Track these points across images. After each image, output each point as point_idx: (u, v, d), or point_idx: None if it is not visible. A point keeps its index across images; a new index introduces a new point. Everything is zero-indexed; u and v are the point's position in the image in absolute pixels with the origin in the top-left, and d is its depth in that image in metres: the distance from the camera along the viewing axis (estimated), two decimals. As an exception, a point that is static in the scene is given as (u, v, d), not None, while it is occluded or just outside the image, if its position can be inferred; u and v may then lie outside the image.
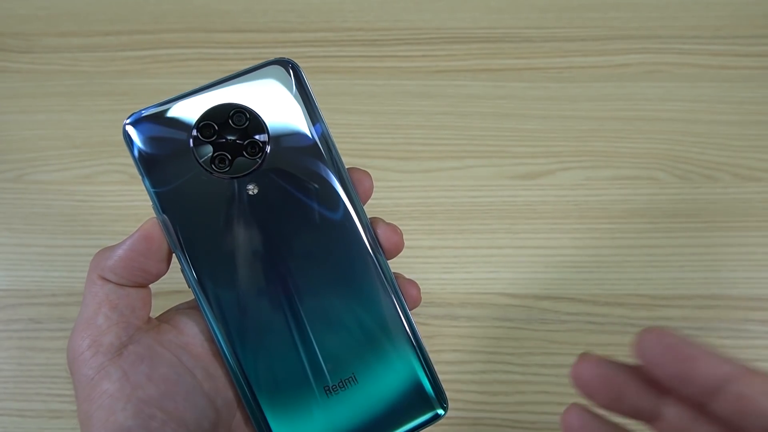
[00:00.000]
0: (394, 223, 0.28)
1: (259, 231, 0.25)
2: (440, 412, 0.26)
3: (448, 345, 0.39)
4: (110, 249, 0.25)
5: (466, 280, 0.41)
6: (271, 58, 0.26)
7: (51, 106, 0.46)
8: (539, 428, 0.38)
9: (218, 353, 0.26)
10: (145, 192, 0.25)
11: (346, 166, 0.26)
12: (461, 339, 0.40)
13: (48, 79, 0.47)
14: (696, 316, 0.40)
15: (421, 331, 0.35)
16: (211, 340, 0.26)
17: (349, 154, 0.44)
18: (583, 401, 0.20)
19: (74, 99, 0.47)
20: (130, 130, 0.24)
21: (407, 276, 0.28)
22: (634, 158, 0.44)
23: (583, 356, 0.20)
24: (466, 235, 0.42)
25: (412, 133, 0.45)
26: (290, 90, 0.25)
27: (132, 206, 0.43)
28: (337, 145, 0.26)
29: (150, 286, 0.26)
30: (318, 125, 0.25)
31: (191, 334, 0.26)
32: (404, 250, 0.38)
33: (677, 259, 0.41)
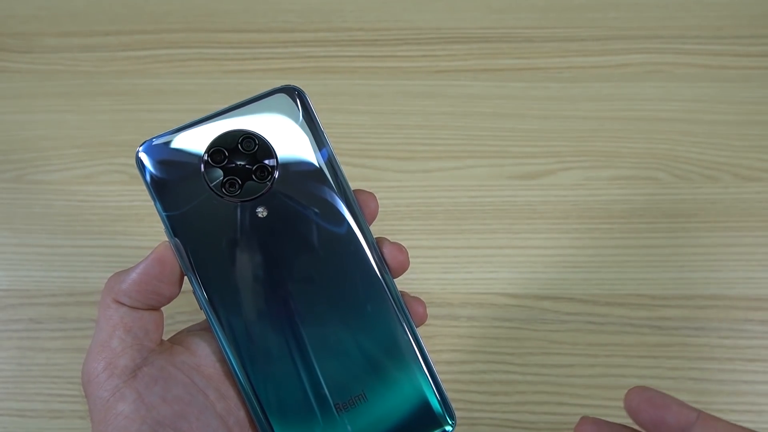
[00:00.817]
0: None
1: (268, 253, 0.26)
2: (447, 428, 0.27)
3: (448, 345, 0.39)
4: (124, 273, 0.25)
5: (466, 280, 0.41)
6: (278, 85, 0.27)
7: (51, 106, 0.46)
8: (539, 428, 0.38)
9: (230, 374, 0.26)
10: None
11: (352, 188, 0.27)
12: (461, 339, 0.40)
13: (48, 79, 0.47)
14: (696, 316, 0.40)
15: (421, 331, 0.35)
16: (223, 360, 0.26)
17: (350, 154, 0.44)
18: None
19: (74, 99, 0.47)
20: (143, 156, 0.25)
21: (410, 288, 0.28)
22: (634, 158, 0.44)
23: (584, 419, 0.25)
24: (466, 235, 0.42)
25: (412, 133, 0.45)
26: (297, 116, 0.26)
27: (132, 206, 0.43)
28: (338, 152, 0.27)
29: (162, 309, 0.27)
30: (324, 150, 0.26)
31: (203, 355, 0.26)
32: (404, 250, 0.38)
33: (677, 259, 0.41)
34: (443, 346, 0.39)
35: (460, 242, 0.42)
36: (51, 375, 0.39)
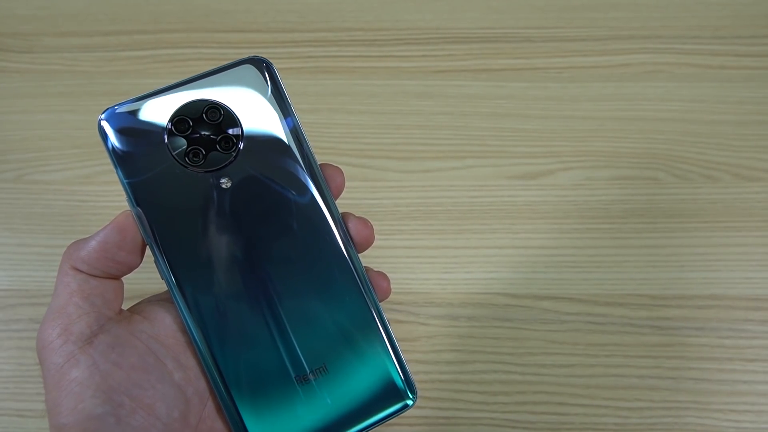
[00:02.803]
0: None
1: (231, 224, 0.26)
2: (409, 402, 0.27)
3: (448, 345, 0.39)
4: (83, 240, 0.25)
5: (466, 280, 0.41)
6: (246, 56, 0.26)
7: (51, 106, 0.46)
8: (539, 428, 0.38)
9: (190, 344, 0.26)
10: (125, 200, 0.26)
11: (319, 162, 0.27)
12: (461, 339, 0.40)
13: (48, 79, 0.47)
14: (696, 316, 0.40)
15: (421, 331, 0.35)
16: (184, 331, 0.26)
17: (349, 154, 0.44)
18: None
19: (74, 99, 0.47)
20: (105, 124, 0.25)
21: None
22: (634, 158, 0.44)
23: None
24: (466, 235, 0.42)
25: (412, 133, 0.45)
26: (263, 87, 0.26)
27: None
28: (311, 142, 0.27)
29: (123, 279, 0.26)
30: (289, 120, 0.26)
31: (163, 325, 0.26)
32: (405, 250, 0.38)
33: (677, 259, 0.41)
34: (443, 346, 0.39)
35: (460, 242, 0.42)
36: (51, 375, 0.39)
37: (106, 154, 0.26)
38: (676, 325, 0.40)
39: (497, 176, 0.44)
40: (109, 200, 0.43)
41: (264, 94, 0.26)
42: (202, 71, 0.26)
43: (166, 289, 0.26)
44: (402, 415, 0.36)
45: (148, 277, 0.28)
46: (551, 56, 0.48)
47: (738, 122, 0.45)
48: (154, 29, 0.49)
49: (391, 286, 0.29)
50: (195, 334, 0.25)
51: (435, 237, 0.42)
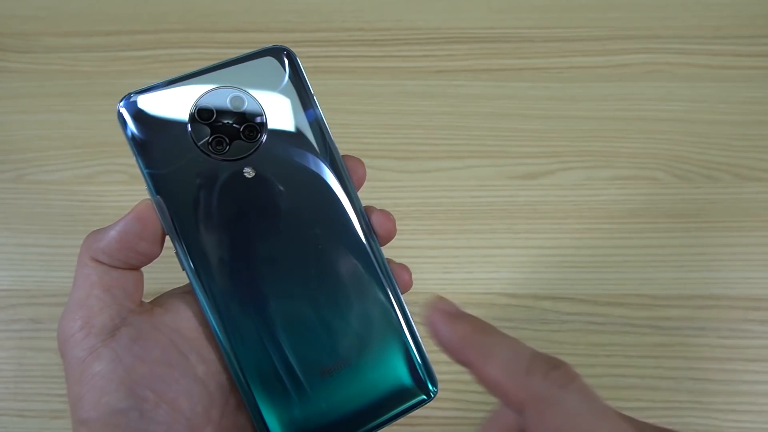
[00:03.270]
0: (396, 226, 0.28)
1: (254, 214, 0.25)
2: (430, 395, 0.27)
3: (449, 345, 0.39)
4: (102, 230, 0.24)
5: (466, 280, 0.41)
6: (268, 45, 0.26)
7: (51, 106, 0.46)
8: (539, 428, 0.38)
9: (212, 337, 0.25)
10: (146, 189, 0.25)
11: (341, 154, 0.27)
12: (461, 339, 0.40)
13: (48, 79, 0.47)
14: (696, 316, 0.40)
15: (421, 331, 0.35)
16: (205, 324, 0.25)
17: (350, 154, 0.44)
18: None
19: (74, 99, 0.47)
20: (123, 111, 0.24)
21: (411, 288, 0.28)
22: (634, 158, 0.44)
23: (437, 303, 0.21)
24: (466, 235, 0.42)
25: (412, 133, 0.45)
26: (286, 76, 0.26)
27: (132, 206, 0.43)
28: (334, 138, 0.27)
29: (142, 269, 0.26)
30: (312, 111, 0.26)
31: (185, 318, 0.25)
32: (405, 250, 0.38)
33: (677, 259, 0.41)
34: (443, 346, 0.39)
35: (460, 242, 0.42)
36: (51, 375, 0.39)
37: (131, 158, 0.25)
38: (677, 325, 0.40)
39: (497, 176, 0.44)
40: (110, 200, 0.43)
41: (287, 84, 0.26)
42: (223, 60, 0.25)
43: (187, 282, 0.25)
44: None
45: (167, 278, 0.28)
46: (551, 56, 0.48)
47: (738, 122, 0.45)
48: (154, 29, 0.49)
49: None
50: (216, 327, 0.25)
51: (435, 237, 0.42)
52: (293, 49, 0.26)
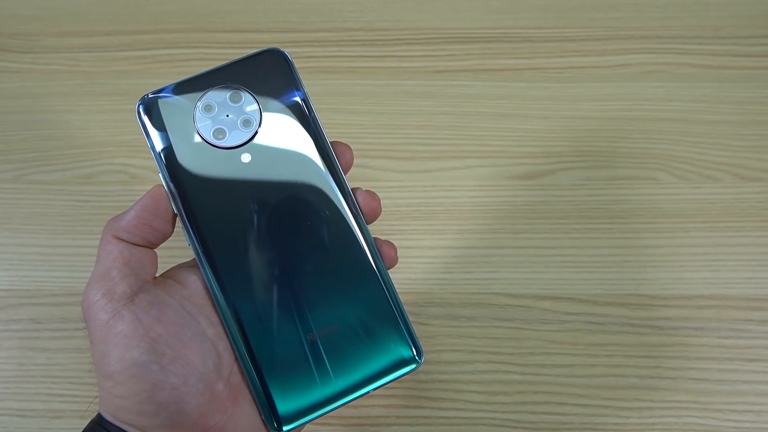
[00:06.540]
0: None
1: (250, 194, 0.29)
2: (418, 361, 0.29)
3: (448, 345, 0.39)
4: (122, 213, 0.28)
5: (466, 280, 0.41)
6: (264, 47, 0.29)
7: (51, 106, 0.46)
8: (539, 428, 0.38)
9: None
10: (159, 175, 0.28)
11: (329, 141, 0.29)
12: (461, 339, 0.40)
13: (48, 79, 0.47)
14: (696, 316, 0.40)
15: (421, 331, 0.35)
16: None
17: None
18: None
19: (74, 99, 0.47)
20: (142, 109, 0.29)
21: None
22: (634, 158, 0.44)
23: None
24: (466, 235, 0.42)
25: (412, 133, 0.45)
26: (280, 74, 0.29)
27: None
28: (326, 131, 0.29)
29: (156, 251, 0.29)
30: (303, 102, 0.29)
31: (194, 287, 0.29)
32: (405, 250, 0.38)
33: (677, 259, 0.41)
34: (443, 346, 0.39)
35: (460, 242, 0.42)
36: (51, 375, 0.39)
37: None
38: (676, 325, 0.40)
39: (497, 176, 0.44)
40: (110, 200, 0.43)
41: (280, 80, 0.29)
42: (225, 62, 0.29)
43: (193, 257, 0.29)
44: (402, 415, 0.36)
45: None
46: (551, 56, 0.48)
47: (738, 122, 0.45)
48: (155, 29, 0.49)
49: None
50: (218, 296, 0.28)
51: (435, 237, 0.42)
52: (293, 50, 0.27)
